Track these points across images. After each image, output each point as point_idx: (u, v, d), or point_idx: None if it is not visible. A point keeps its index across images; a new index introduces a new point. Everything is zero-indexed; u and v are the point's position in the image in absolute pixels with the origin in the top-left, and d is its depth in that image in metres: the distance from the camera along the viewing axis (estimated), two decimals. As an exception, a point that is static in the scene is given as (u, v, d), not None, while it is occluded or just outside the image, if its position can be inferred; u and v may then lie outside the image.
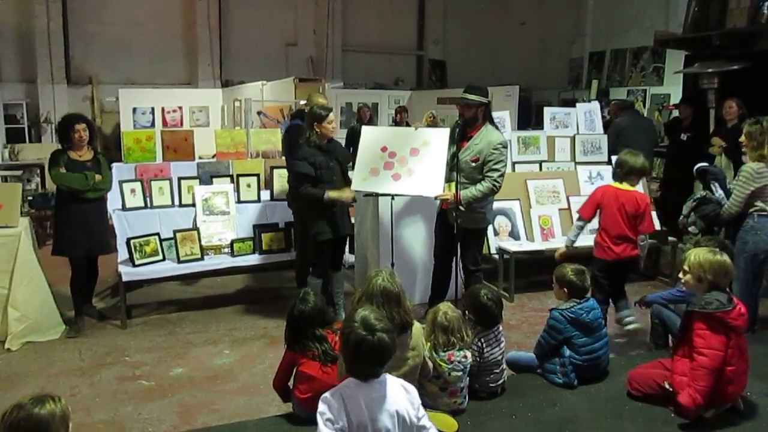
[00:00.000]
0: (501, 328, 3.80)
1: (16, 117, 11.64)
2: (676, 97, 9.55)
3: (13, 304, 4.82)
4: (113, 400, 4.00)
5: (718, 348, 3.31)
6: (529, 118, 10.33)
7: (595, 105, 7.39)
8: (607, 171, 6.51)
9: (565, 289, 3.95)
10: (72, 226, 5.07)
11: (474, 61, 13.78)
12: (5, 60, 11.56)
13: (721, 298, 3.37)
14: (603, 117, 7.47)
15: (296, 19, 13.45)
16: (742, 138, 4.68)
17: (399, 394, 2.49)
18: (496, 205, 5.43)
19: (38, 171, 9.77)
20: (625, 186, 4.63)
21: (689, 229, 4.88)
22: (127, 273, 5.24)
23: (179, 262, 5.34)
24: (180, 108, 9.72)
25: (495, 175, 4.70)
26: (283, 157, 5.83)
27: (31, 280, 4.93)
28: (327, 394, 2.46)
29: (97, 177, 5.10)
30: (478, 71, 12.79)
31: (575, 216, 5.16)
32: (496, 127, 4.93)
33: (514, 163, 6.69)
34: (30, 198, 8.43)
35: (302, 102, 6.12)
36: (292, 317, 3.42)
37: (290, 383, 3.52)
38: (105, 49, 12.11)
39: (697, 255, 3.46)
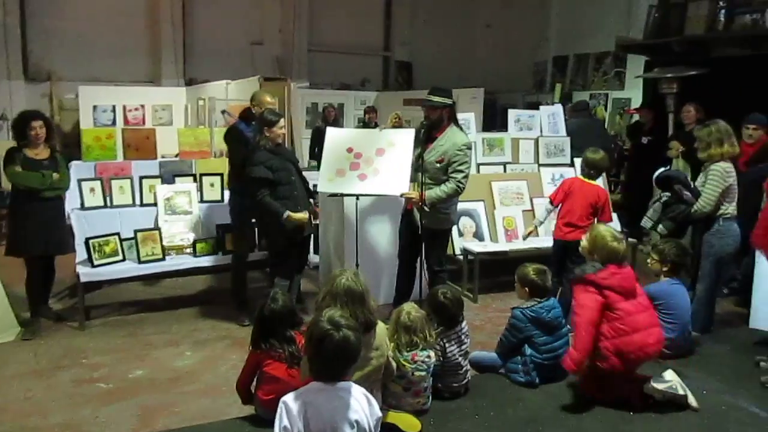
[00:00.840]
0: (464, 329, 3.82)
1: (-29, 113, 11.33)
2: (636, 101, 9.76)
3: (-34, 304, 4.69)
4: (70, 403, 3.90)
5: (588, 305, 3.54)
6: (494, 120, 10.43)
7: (559, 108, 7.49)
8: (570, 173, 6.62)
9: (527, 288, 4.01)
10: (28, 225, 4.94)
11: (440, 63, 13.85)
12: (-41, 55, 11.24)
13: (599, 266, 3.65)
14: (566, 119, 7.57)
15: (262, 18, 13.33)
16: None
17: (362, 404, 2.42)
18: (460, 206, 5.48)
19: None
20: (588, 180, 5.05)
21: (657, 229, 5.02)
22: (86, 273, 5.12)
23: (140, 262, 5.24)
24: (142, 106, 9.54)
25: (459, 176, 4.73)
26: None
27: (-15, 280, 4.80)
28: (287, 398, 2.39)
29: (55, 176, 4.97)
30: (444, 73, 12.87)
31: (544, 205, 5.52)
32: (461, 129, 4.96)
33: (478, 165, 6.73)
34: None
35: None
36: (262, 316, 3.39)
37: (252, 385, 3.48)
38: (65, 45, 11.83)
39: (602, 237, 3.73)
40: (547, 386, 3.86)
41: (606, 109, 10.61)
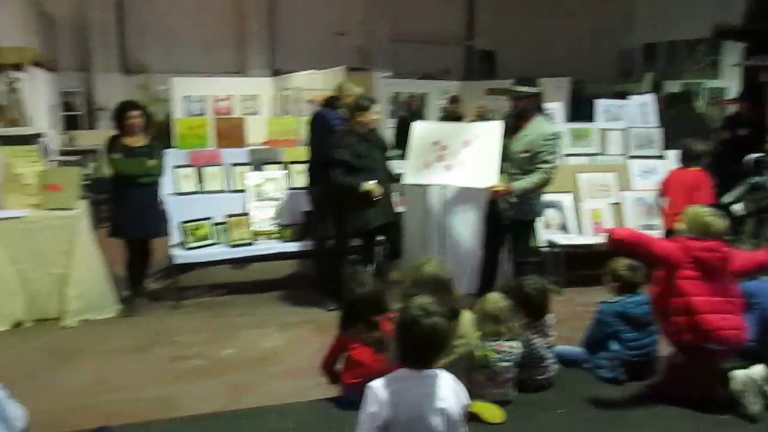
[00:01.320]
0: (549, 321, 3.76)
1: (73, 105, 12.02)
2: (732, 91, 9.27)
3: (72, 282, 4.98)
4: (165, 377, 4.11)
5: (665, 242, 3.65)
6: (580, 110, 10.14)
7: (650, 98, 7.22)
8: (661, 166, 6.38)
9: (617, 283, 3.91)
10: (126, 210, 5.22)
11: (524, 52, 13.56)
12: (63, 50, 11.90)
13: None
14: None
15: (345, 8, 13.50)
16: None
17: (450, 391, 2.40)
18: (546, 197, 5.39)
19: (93, 157, 10.04)
20: (688, 168, 5.31)
21: (735, 208, 4.86)
22: (180, 256, 5.36)
23: (230, 246, 5.44)
24: (230, 97, 9.86)
25: (546, 166, 4.67)
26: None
27: (89, 260, 5.09)
28: (375, 384, 2.37)
29: (150, 162, 5.22)
30: (527, 62, 12.58)
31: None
32: (547, 119, 4.90)
33: (565, 156, 6.58)
34: (86, 183, 8.67)
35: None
36: (349, 301, 3.45)
37: (338, 367, 3.56)
38: (158, 39, 12.37)
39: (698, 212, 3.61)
40: (634, 384, 3.76)
41: (700, 99, 10.12)
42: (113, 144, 5.22)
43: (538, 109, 4.86)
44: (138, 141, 5.26)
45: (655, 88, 10.55)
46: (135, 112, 5.25)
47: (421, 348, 2.38)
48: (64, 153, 9.74)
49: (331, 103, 5.40)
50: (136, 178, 5.17)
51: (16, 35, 8.11)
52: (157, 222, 5.39)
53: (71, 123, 11.59)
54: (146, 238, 5.43)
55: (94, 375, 4.14)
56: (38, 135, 5.84)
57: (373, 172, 4.90)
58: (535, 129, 4.74)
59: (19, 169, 5.11)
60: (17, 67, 8.01)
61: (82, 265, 5.03)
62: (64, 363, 4.30)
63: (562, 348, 4.07)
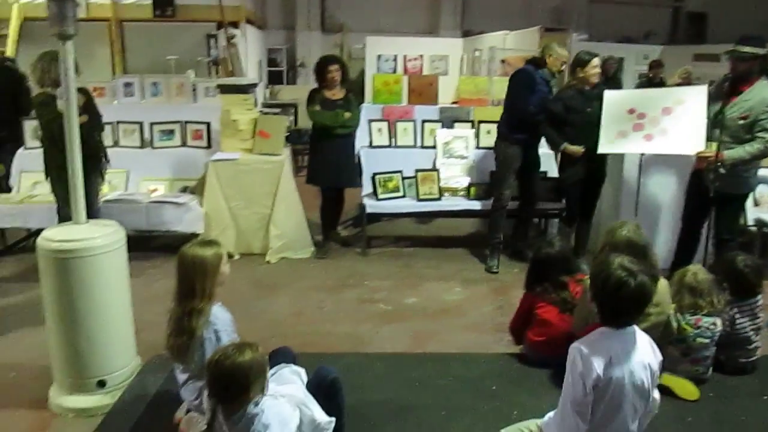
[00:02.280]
0: (759, 302, 3.46)
1: (276, 61, 12.90)
2: None
3: (274, 222, 5.44)
4: (354, 317, 4.38)
5: None
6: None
7: None
8: None
9: None
10: (323, 159, 5.52)
11: (742, 14, 12.25)
12: (270, 9, 12.78)
13: None
14: None
15: (541, -31, 13.05)
16: None
17: (648, 347, 2.37)
18: (760, 172, 4.88)
19: (293, 110, 10.74)
20: None
21: None
22: (371, 206, 5.61)
23: (419, 200, 5.59)
24: (421, 56, 9.99)
25: (768, 135, 4.21)
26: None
27: (289, 204, 5.50)
28: (580, 344, 2.32)
29: (346, 115, 5.44)
30: (746, 24, 11.32)
31: None
32: None
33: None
34: (286, 134, 9.31)
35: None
36: (538, 259, 3.44)
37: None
38: (355, 0, 12.82)
39: None
40: None
41: None
42: (313, 96, 5.51)
43: (762, 72, 4.37)
44: (336, 94, 5.51)
45: None
46: (334, 66, 5.48)
47: (628, 308, 2.31)
48: (266, 105, 10.53)
49: (535, 62, 5.27)
50: (333, 129, 5.42)
51: (233, -5, 8.83)
52: (351, 172, 5.67)
53: (274, 78, 12.49)
54: (340, 187, 5.73)
55: (292, 308, 4.53)
56: (254, 85, 6.34)
57: (581, 128, 4.82)
58: (758, 94, 4.27)
59: (236, 116, 5.60)
60: (234, 24, 8.77)
61: (284, 208, 5.45)
62: (267, 295, 4.74)
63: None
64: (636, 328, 2.39)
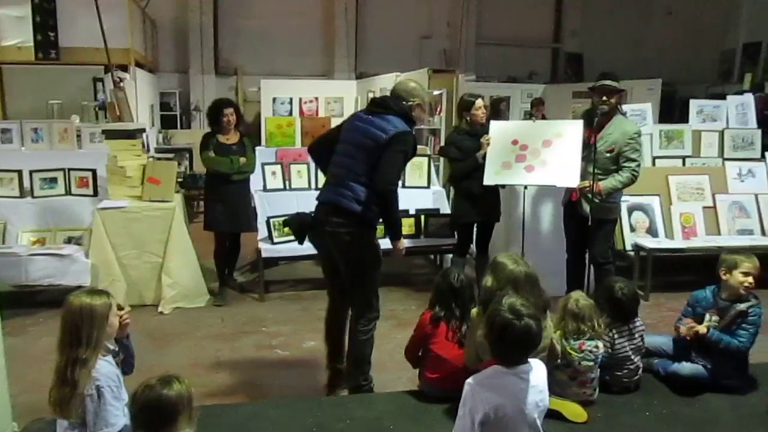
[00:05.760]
0: (639, 326, 3.65)
1: (170, 104, 12.63)
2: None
3: (167, 271, 5.27)
4: (252, 364, 4.29)
5: None
6: (670, 113, 9.78)
7: (749, 97, 6.89)
8: (761, 168, 6.09)
9: None
10: (219, 204, 5.43)
11: (613, 53, 13.18)
12: (163, 52, 12.53)
13: None
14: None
15: (431, 12, 13.55)
16: None
17: (543, 378, 2.46)
18: (633, 200, 5.28)
19: (188, 154, 10.52)
20: None
21: None
22: (267, 250, 5.56)
23: (315, 241, 5.56)
24: (316, 98, 10.09)
25: (633, 164, 4.62)
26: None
27: (183, 251, 5.36)
28: (473, 381, 2.39)
29: (242, 160, 5.39)
30: (617, 64, 12.16)
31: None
32: (625, 116, 4.87)
33: (654, 158, 6.39)
34: (180, 179, 9.10)
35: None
36: (442, 286, 3.47)
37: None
38: (250, 42, 12.82)
39: None
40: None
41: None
42: (207, 141, 5.42)
43: (618, 109, 4.78)
44: (231, 138, 5.46)
45: (757, 89, 10.05)
46: (229, 110, 5.43)
47: (515, 350, 2.39)
48: (159, 150, 10.27)
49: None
50: (228, 176, 5.35)
51: (122, 38, 8.63)
52: (248, 216, 5.60)
53: (167, 122, 12.20)
54: (238, 231, 5.64)
55: (188, 359, 4.37)
56: (142, 130, 6.18)
57: (478, 168, 4.99)
58: (619, 128, 4.68)
59: (123, 162, 5.43)
60: (122, 67, 8.53)
61: (177, 255, 5.30)
62: (161, 346, 4.56)
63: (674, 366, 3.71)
64: (534, 365, 2.45)
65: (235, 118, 5.46)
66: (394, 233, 3.74)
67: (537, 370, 2.45)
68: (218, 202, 5.43)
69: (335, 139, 3.72)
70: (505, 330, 2.36)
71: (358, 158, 3.53)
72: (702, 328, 3.55)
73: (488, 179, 4.95)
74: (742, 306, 3.54)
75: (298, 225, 3.82)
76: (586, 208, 4.68)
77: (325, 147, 3.78)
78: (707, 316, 3.63)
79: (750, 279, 3.51)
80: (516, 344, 2.38)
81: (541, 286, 3.17)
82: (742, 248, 5.17)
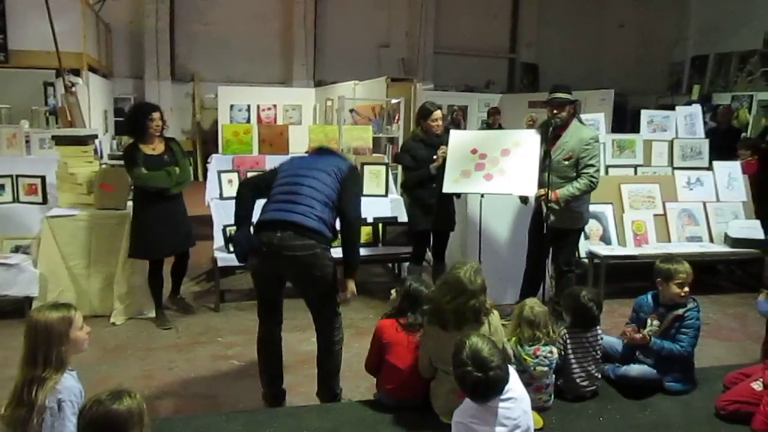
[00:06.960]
0: (599, 333, 3.70)
1: (125, 110, 12.35)
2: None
3: (119, 281, 5.13)
4: (207, 375, 4.21)
5: None
6: (623, 123, 10.03)
7: (697, 108, 7.11)
8: (708, 177, 6.27)
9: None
10: (154, 227, 4.86)
11: (567, 64, 13.54)
12: (117, 57, 12.31)
13: None
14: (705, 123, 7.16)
15: (389, 21, 13.65)
16: None
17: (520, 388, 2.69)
18: (591, 207, 5.34)
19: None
20: None
21: None
22: (222, 259, 5.46)
23: (272, 250, 5.50)
24: (275, 106, 10.02)
25: (591, 170, 4.69)
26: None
27: (136, 261, 5.22)
28: (460, 419, 2.62)
29: (177, 170, 4.92)
30: (571, 74, 12.52)
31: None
32: (583, 124, 4.95)
33: (607, 167, 6.53)
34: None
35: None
36: (408, 291, 3.46)
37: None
38: (207, 48, 12.70)
39: None
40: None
41: (750, 112, 9.89)
42: (133, 156, 4.78)
43: (574, 116, 4.88)
44: (156, 148, 4.90)
45: (705, 101, 10.37)
46: (157, 114, 4.87)
47: (488, 396, 2.58)
48: (113, 157, 10.04)
49: None
50: (167, 191, 4.83)
51: (74, 41, 8.44)
52: (187, 231, 5.14)
53: (121, 128, 11.93)
54: (181, 251, 5.23)
55: (140, 370, 4.27)
56: (94, 136, 6.02)
57: (432, 178, 5.03)
58: (575, 135, 4.76)
59: (74, 169, 5.28)
60: (75, 71, 8.34)
61: (129, 265, 5.15)
62: (113, 358, 4.44)
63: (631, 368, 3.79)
64: (514, 393, 2.65)
65: (162, 124, 4.91)
66: (353, 266, 3.63)
67: (513, 383, 2.69)
68: (153, 223, 4.84)
69: (270, 182, 3.63)
70: (477, 386, 2.55)
71: (319, 179, 3.49)
72: (638, 337, 3.65)
73: (447, 187, 4.96)
74: (679, 311, 3.65)
75: (245, 249, 3.63)
76: (547, 216, 4.75)
77: (261, 189, 3.68)
78: (648, 321, 3.74)
79: (685, 289, 3.61)
80: (488, 393, 2.58)
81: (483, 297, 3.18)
82: (692, 255, 5.32)
